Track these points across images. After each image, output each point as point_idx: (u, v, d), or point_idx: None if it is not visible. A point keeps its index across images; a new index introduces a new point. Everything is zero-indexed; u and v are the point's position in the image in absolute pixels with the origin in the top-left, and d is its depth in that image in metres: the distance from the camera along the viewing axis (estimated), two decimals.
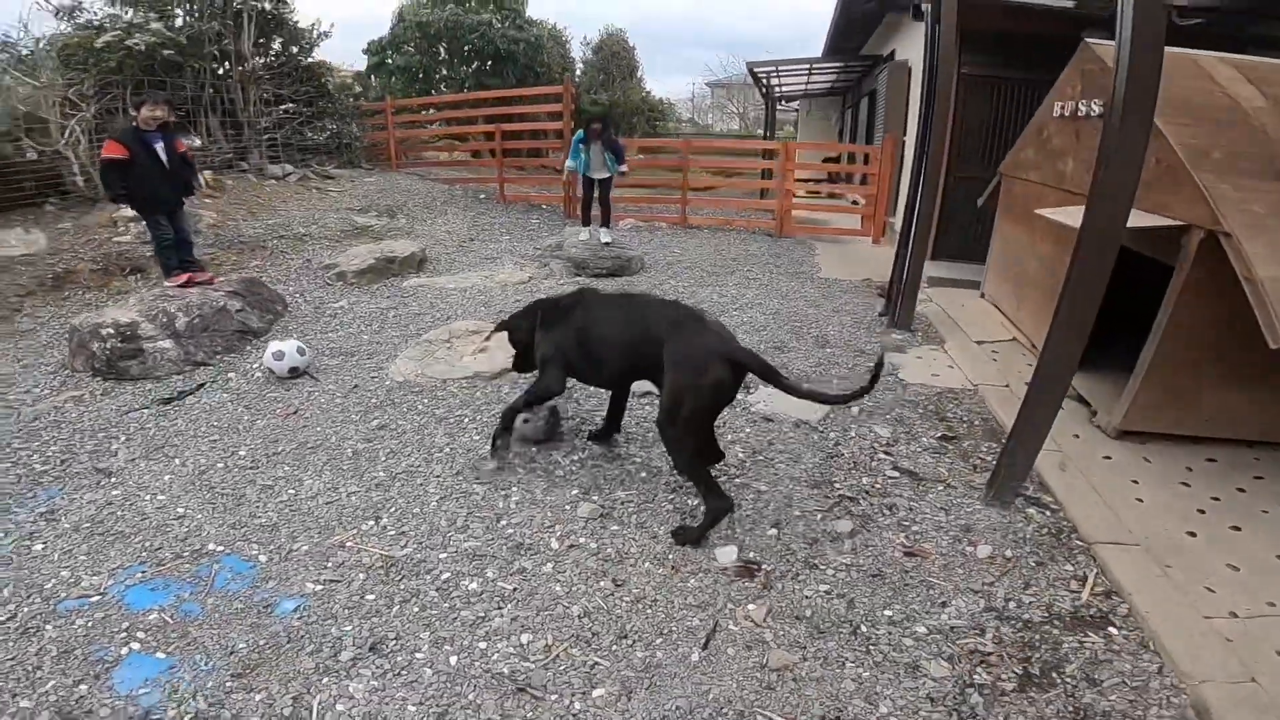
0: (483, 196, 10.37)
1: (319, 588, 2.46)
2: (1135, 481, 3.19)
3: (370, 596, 2.40)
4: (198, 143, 6.61)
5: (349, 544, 2.71)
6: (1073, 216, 3.07)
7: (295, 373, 4.41)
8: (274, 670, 2.11)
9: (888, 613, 2.38)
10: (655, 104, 21.17)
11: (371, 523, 2.86)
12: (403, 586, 2.45)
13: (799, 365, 4.49)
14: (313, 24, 10.93)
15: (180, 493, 3.17)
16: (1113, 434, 3.58)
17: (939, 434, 3.65)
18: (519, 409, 3.24)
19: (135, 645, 2.22)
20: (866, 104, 12.20)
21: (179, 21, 9.22)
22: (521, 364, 3.45)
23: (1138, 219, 2.75)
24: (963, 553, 2.70)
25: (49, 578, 2.55)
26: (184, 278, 5.39)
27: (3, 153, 7.04)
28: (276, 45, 10.61)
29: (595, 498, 2.99)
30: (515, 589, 2.43)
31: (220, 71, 9.20)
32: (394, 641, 2.20)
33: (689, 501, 2.96)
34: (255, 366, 4.56)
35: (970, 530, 2.83)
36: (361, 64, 15.00)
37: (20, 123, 7.25)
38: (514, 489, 3.07)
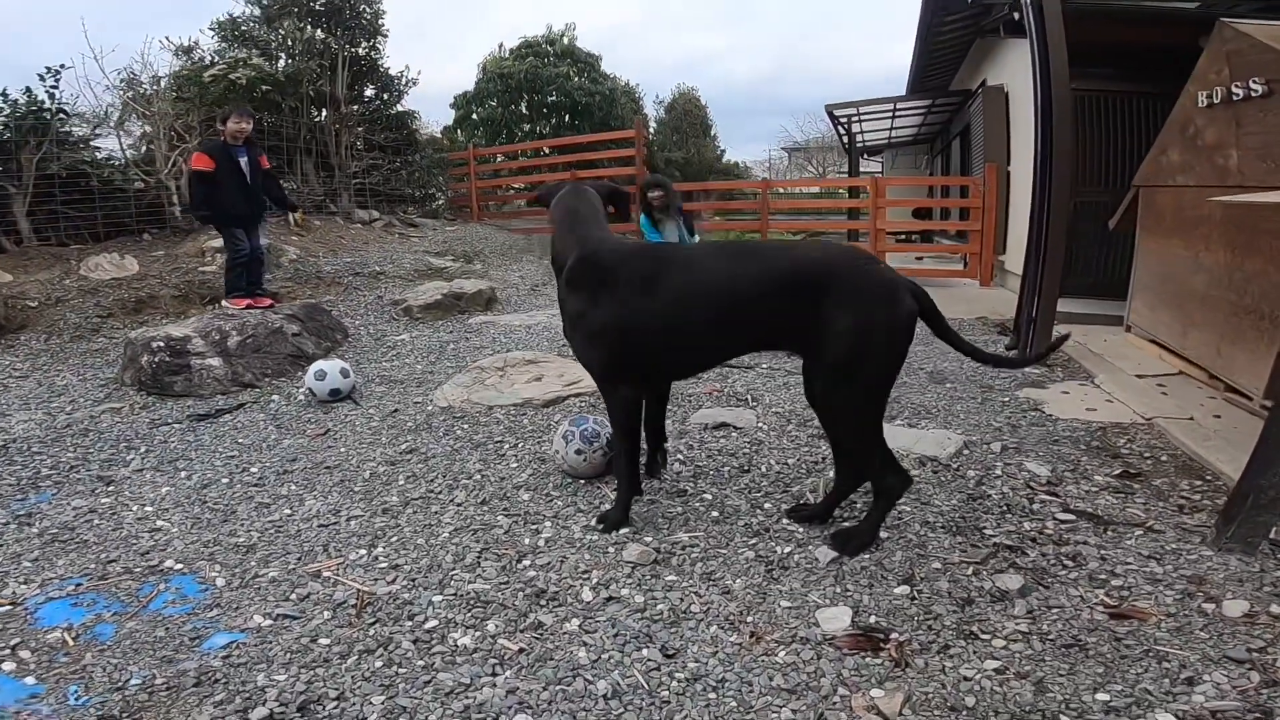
0: None
1: (267, 623, 1.88)
2: None
3: (324, 641, 1.79)
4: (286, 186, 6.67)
5: (325, 574, 2.14)
6: None
7: (336, 395, 4.08)
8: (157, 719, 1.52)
9: (1102, 696, 1.58)
10: (730, 167, 20.97)
11: (363, 552, 2.29)
12: (372, 632, 1.83)
13: (913, 400, 3.78)
14: (401, 71, 11.15)
15: (170, 505, 2.79)
16: None
17: (1116, 471, 2.87)
18: (627, 458, 2.41)
19: (9, 666, 1.74)
20: (958, 145, 11.28)
21: (281, 63, 9.65)
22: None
23: None
24: (1201, 610, 1.89)
25: None
26: (244, 303, 5.24)
27: (113, 181, 7.33)
28: (369, 92, 10.91)
29: (648, 538, 2.31)
30: (522, 650, 1.76)
31: (316, 117, 9.48)
32: (332, 703, 1.56)
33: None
34: (300, 390, 4.24)
35: (1204, 583, 2.02)
36: (450, 121, 15.54)
37: (132, 154, 7.62)
38: (547, 524, 2.44)
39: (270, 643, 1.79)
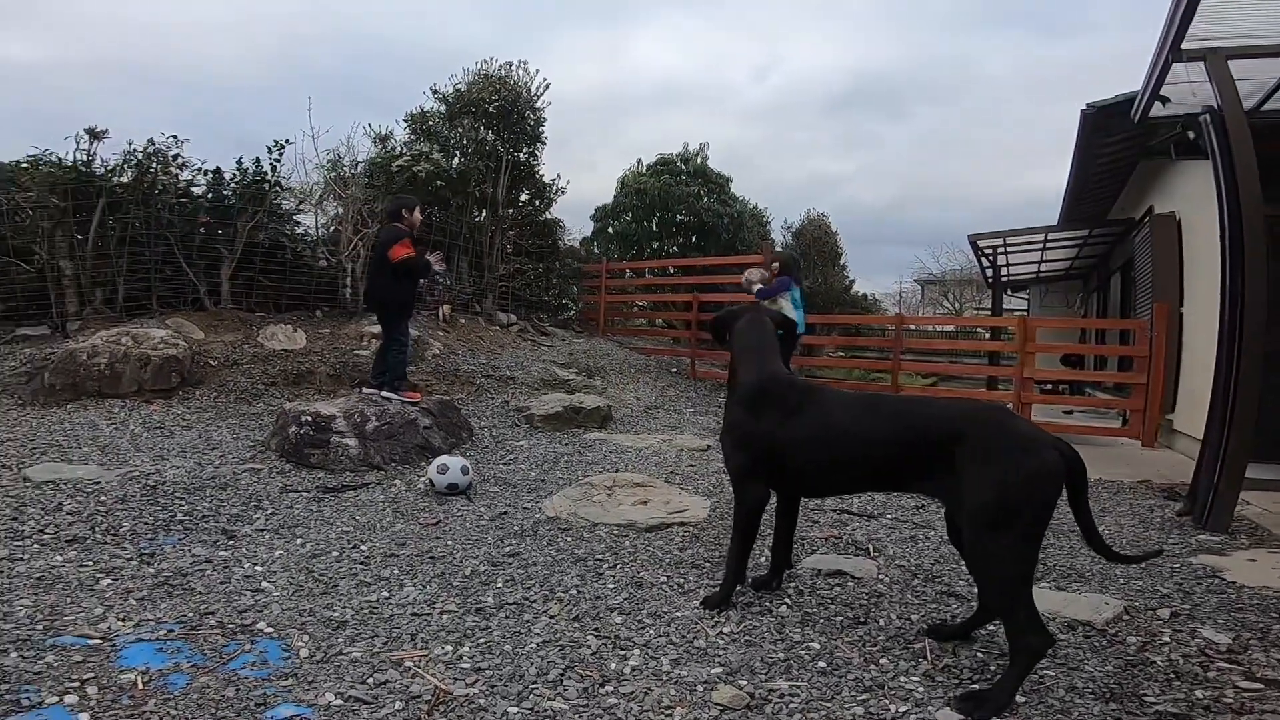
0: (674, 370, 10.21)
1: (338, 703, 1.82)
2: None
3: None
4: (442, 266, 6.63)
5: (407, 663, 2.07)
6: None
7: (453, 489, 4.19)
8: None
9: None
10: (859, 298, 19.50)
11: (449, 648, 2.22)
12: None
13: (1061, 562, 3.37)
14: (554, 179, 11.66)
15: (278, 569, 2.89)
16: None
17: None
18: (740, 549, 2.69)
19: (71, 699, 1.76)
20: (1119, 281, 10.17)
21: (455, 161, 10.35)
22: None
23: None
24: None
25: (81, 611, 2.27)
26: (418, 395, 5.41)
27: (303, 256, 8.13)
28: (524, 196, 11.40)
29: (742, 681, 2.09)
30: None
31: (477, 217, 10.01)
32: None
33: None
34: (422, 479, 4.40)
35: None
36: (588, 233, 15.87)
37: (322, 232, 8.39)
38: (635, 652, 2.27)
39: None
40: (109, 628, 2.19)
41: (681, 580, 2.91)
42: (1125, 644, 2.46)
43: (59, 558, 2.80)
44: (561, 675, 2.08)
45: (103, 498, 3.57)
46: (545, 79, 11.00)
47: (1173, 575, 3.21)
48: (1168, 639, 2.51)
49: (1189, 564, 3.39)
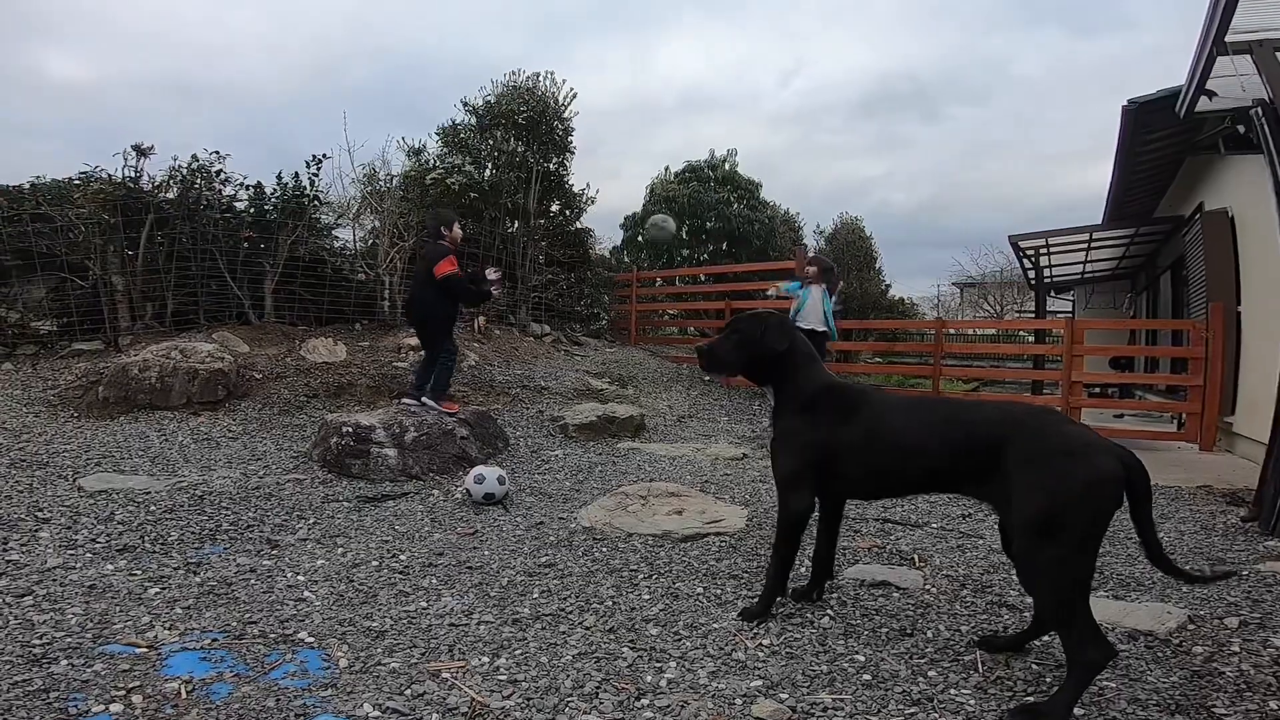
0: (707, 379, 10.15)
1: (375, 714, 1.83)
2: None
3: None
4: (498, 279, 6.12)
5: (445, 674, 2.07)
6: None
7: (490, 499, 4.21)
8: None
9: None
10: (895, 303, 19.01)
11: (486, 660, 2.22)
12: None
13: (1119, 570, 3.26)
14: (583, 189, 11.69)
15: (320, 578, 2.93)
16: None
17: None
18: (781, 560, 2.62)
19: (117, 707, 1.79)
20: (1169, 280, 9.88)
21: (487, 173, 10.45)
22: (719, 364, 2.84)
23: None
24: None
25: (129, 620, 2.32)
26: (456, 406, 5.51)
27: (342, 270, 8.29)
28: (555, 207, 11.47)
29: (783, 695, 2.04)
30: None
31: (509, 228, 10.09)
32: None
33: None
34: (459, 489, 4.45)
35: None
36: (618, 241, 15.88)
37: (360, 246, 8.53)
38: (672, 664, 2.24)
39: None
40: (155, 636, 2.23)
41: (719, 591, 2.87)
42: (1191, 654, 2.39)
43: (110, 566, 2.88)
44: (597, 688, 2.06)
45: (152, 507, 3.67)
46: (572, 89, 11.14)
47: (1240, 583, 3.10)
48: (1237, 649, 2.43)
49: (1257, 571, 3.27)
